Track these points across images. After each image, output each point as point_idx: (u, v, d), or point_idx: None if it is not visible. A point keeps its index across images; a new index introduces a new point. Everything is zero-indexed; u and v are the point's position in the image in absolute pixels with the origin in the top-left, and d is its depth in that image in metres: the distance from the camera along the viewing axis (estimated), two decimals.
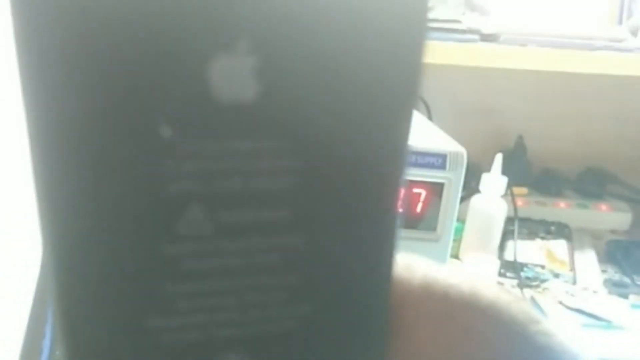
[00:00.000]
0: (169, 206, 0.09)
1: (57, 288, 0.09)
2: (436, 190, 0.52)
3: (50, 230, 0.09)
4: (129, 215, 0.09)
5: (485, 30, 0.74)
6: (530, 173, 0.85)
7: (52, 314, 0.10)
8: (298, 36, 0.09)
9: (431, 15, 0.76)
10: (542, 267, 0.71)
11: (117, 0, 0.08)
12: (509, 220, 0.69)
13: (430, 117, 0.79)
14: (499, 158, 0.64)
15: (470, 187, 0.68)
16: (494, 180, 0.64)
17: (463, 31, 0.73)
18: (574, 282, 0.68)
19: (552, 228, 0.77)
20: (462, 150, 0.52)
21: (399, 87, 0.09)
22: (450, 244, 0.54)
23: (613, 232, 0.80)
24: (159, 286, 0.10)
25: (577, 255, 0.73)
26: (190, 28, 0.08)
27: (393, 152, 0.10)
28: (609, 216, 0.81)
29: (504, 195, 0.65)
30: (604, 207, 0.82)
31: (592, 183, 0.85)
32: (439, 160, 0.51)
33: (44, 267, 0.09)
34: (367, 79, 0.09)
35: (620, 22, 0.88)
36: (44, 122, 0.08)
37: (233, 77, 0.09)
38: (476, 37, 0.73)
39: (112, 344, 0.10)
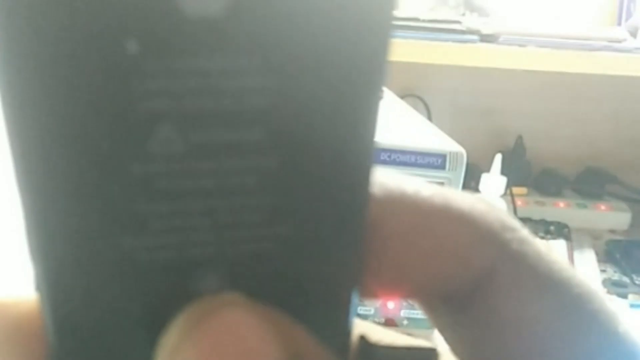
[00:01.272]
0: (138, 125, 0.09)
1: (28, 209, 0.09)
2: None
3: (18, 150, 0.09)
4: (98, 134, 0.09)
5: (485, 30, 0.74)
6: (530, 173, 0.85)
7: (24, 238, 0.10)
8: None
9: (431, 15, 0.76)
10: None
11: None
12: None
13: (429, 118, 0.79)
14: (498, 158, 0.64)
15: (470, 187, 0.68)
16: (493, 180, 0.64)
17: (463, 32, 0.73)
18: None
19: (552, 228, 0.77)
20: (461, 150, 0.52)
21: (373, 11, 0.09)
22: None
23: (612, 232, 0.81)
24: (130, 205, 0.10)
25: (577, 255, 0.74)
26: None
27: (369, 73, 0.10)
28: (608, 216, 0.82)
29: (504, 195, 0.66)
30: (603, 207, 0.82)
31: (591, 183, 0.85)
32: (438, 161, 0.51)
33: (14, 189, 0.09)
34: (340, 21, 0.09)
35: (619, 22, 0.88)
36: (13, 45, 0.08)
37: None
38: (476, 37, 0.73)
39: (86, 262, 0.10)
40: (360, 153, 0.10)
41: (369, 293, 0.12)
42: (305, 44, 0.09)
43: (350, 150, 0.10)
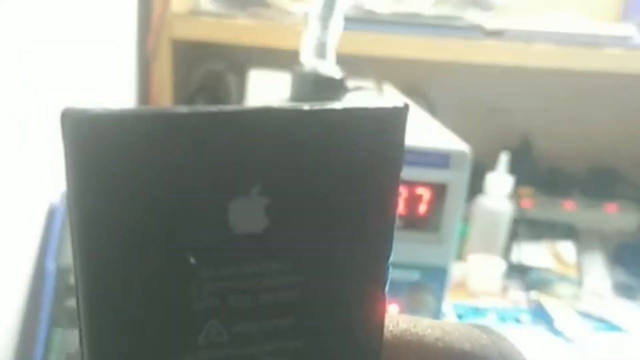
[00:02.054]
0: (192, 322, 0.11)
1: None
2: (440, 190, 0.51)
3: (90, 342, 0.11)
4: (160, 328, 0.11)
5: (489, 26, 0.73)
6: (537, 172, 0.85)
7: None
8: (297, 183, 0.11)
9: (434, 11, 0.75)
10: (549, 269, 0.70)
11: (159, 160, 0.10)
12: (515, 221, 0.69)
13: (433, 115, 0.78)
14: (504, 157, 0.64)
15: (475, 187, 0.68)
16: (499, 180, 0.64)
17: (466, 28, 0.73)
18: (581, 285, 0.68)
19: (559, 229, 0.77)
20: (466, 149, 0.51)
21: (378, 214, 0.12)
22: (455, 245, 0.53)
23: (621, 233, 0.80)
24: None
25: (585, 257, 0.73)
26: (215, 180, 0.11)
27: (376, 269, 0.12)
28: (617, 217, 0.82)
29: (510, 196, 0.65)
30: (612, 207, 0.82)
31: (599, 183, 0.85)
32: (442, 160, 0.50)
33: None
34: (352, 216, 0.12)
35: (624, 18, 0.88)
36: (94, 259, 0.11)
37: (248, 214, 0.11)
38: (479, 33, 0.73)
39: None
40: (375, 333, 0.13)
41: None
42: (326, 249, 0.12)
43: (366, 333, 0.13)
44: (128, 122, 0.10)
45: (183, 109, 0.10)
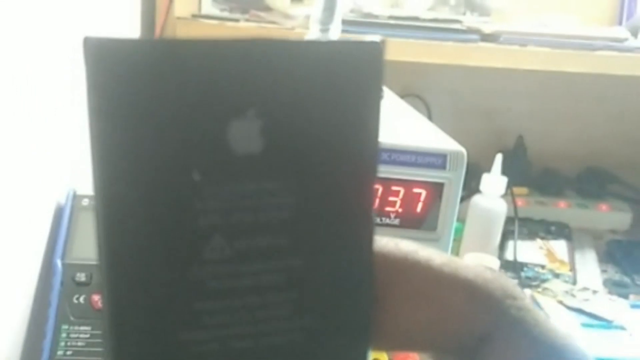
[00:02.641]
0: (197, 236, 0.12)
1: (108, 304, 0.12)
2: (436, 190, 0.51)
3: (106, 258, 0.12)
4: (168, 244, 0.12)
5: (486, 30, 0.74)
6: (531, 173, 0.85)
7: (102, 330, 0.12)
8: (287, 107, 0.12)
9: (431, 15, 0.76)
10: (542, 267, 0.71)
11: (168, 83, 0.11)
12: (509, 220, 0.69)
13: (430, 117, 0.79)
14: (499, 158, 0.64)
15: (471, 187, 0.68)
16: (494, 180, 0.64)
17: (463, 31, 0.73)
18: (574, 282, 0.68)
19: (552, 228, 0.77)
20: (462, 150, 0.51)
21: (362, 141, 0.13)
22: (451, 243, 0.53)
23: (613, 232, 0.81)
24: (189, 304, 0.12)
25: (577, 255, 0.73)
26: (216, 102, 0.11)
27: (364, 189, 0.13)
28: (609, 216, 0.81)
29: (504, 195, 0.65)
30: (604, 207, 0.82)
31: (592, 183, 0.85)
32: (439, 160, 0.51)
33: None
34: (338, 139, 0.12)
35: (619, 22, 0.88)
36: (112, 186, 0.11)
37: (245, 135, 0.12)
38: (476, 37, 0.73)
39: (151, 354, 0.12)
40: (366, 251, 0.13)
41: (381, 349, 0.14)
42: (319, 169, 0.12)
43: (358, 249, 0.13)
44: (142, 48, 0.11)
45: (190, 39, 0.12)
